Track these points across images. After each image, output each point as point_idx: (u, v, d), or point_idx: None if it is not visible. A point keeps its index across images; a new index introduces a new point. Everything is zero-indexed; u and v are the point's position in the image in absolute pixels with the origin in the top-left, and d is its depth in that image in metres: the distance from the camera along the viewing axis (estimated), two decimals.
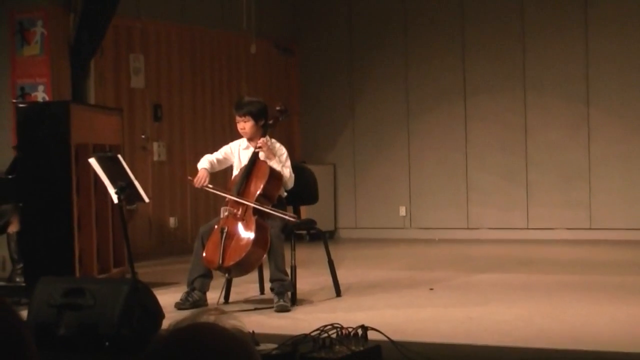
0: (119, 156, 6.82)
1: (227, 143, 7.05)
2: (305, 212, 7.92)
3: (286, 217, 6.59)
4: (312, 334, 4.39)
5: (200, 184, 6.72)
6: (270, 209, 6.57)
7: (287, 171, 6.74)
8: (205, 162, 6.83)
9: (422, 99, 12.14)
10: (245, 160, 6.78)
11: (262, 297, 7.00)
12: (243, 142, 6.89)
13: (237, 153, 6.88)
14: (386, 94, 12.32)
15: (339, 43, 12.59)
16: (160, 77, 10.62)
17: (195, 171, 6.87)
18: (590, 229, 11.35)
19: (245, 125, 6.74)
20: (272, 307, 6.38)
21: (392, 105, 12.29)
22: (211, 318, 1.57)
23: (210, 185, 6.75)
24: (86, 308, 5.07)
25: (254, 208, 6.50)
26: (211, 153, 6.97)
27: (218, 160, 6.89)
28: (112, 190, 6.31)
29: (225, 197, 6.74)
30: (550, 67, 11.58)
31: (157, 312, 5.22)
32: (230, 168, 6.97)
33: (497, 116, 11.82)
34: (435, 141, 12.07)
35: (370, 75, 12.43)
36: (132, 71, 10.22)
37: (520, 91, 11.71)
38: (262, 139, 6.68)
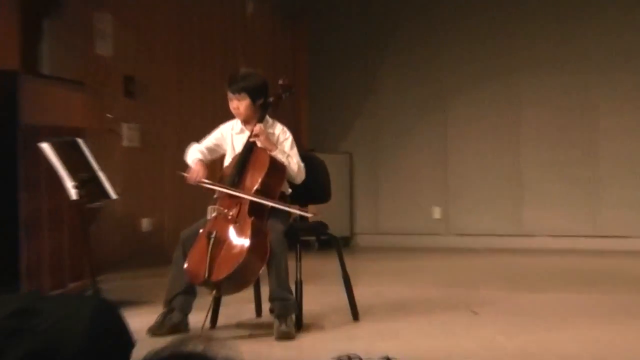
0: (80, 141, 6.79)
1: (218, 126, 6.98)
2: (315, 212, 7.86)
3: (302, 213, 6.54)
4: None
5: (196, 180, 6.66)
6: (280, 203, 6.52)
7: (293, 161, 6.73)
8: (196, 153, 6.77)
9: (462, 76, 12.13)
10: (239, 148, 6.72)
11: (259, 320, 7.07)
12: (237, 124, 6.86)
13: (229, 138, 6.82)
14: (415, 68, 12.31)
15: (356, 9, 12.58)
16: (134, 42, 10.57)
17: (180, 162, 6.83)
18: None
19: (239, 104, 6.71)
20: (272, 334, 6.36)
21: (424, 82, 12.30)
22: (199, 347, 1.53)
23: (207, 180, 6.67)
24: (38, 333, 4.99)
25: (249, 208, 6.42)
26: (197, 139, 6.91)
27: (209, 150, 6.87)
28: (70, 185, 6.32)
29: (214, 194, 6.68)
30: (610, 44, 11.58)
31: (127, 339, 5.15)
32: (222, 157, 6.90)
33: (556, 99, 11.78)
34: (479, 128, 12.10)
35: (393, 47, 12.44)
36: (98, 34, 10.16)
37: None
38: (258, 126, 6.65)
